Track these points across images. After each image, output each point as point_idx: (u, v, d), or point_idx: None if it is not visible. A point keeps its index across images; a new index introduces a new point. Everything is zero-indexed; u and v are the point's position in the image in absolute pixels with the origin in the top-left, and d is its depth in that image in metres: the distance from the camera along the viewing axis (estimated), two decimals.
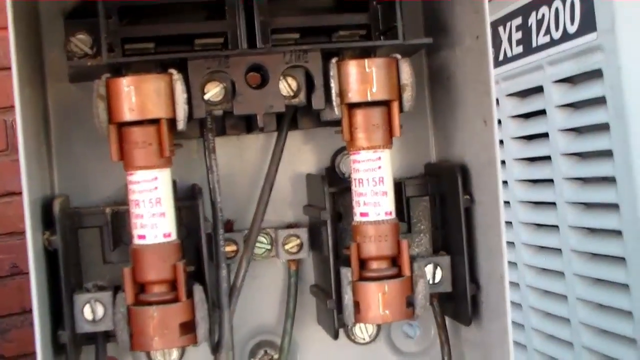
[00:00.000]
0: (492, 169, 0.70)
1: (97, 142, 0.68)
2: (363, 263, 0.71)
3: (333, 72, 0.69)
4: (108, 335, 0.71)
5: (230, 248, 0.78)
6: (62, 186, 0.76)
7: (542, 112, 1.13)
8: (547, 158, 1.12)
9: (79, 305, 0.69)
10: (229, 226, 0.79)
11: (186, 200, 0.73)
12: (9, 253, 1.91)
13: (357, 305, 0.71)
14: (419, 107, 0.76)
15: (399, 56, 0.70)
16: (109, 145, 0.65)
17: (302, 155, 0.81)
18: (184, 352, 0.77)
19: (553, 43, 1.07)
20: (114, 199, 0.76)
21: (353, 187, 0.72)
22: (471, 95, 0.73)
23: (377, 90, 0.69)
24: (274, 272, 0.82)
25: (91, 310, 0.69)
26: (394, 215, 0.72)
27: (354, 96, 0.69)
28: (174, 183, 0.69)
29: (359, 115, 0.70)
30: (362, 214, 0.71)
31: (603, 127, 0.99)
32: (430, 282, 0.76)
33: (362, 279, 0.71)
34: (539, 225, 1.19)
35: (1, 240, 1.91)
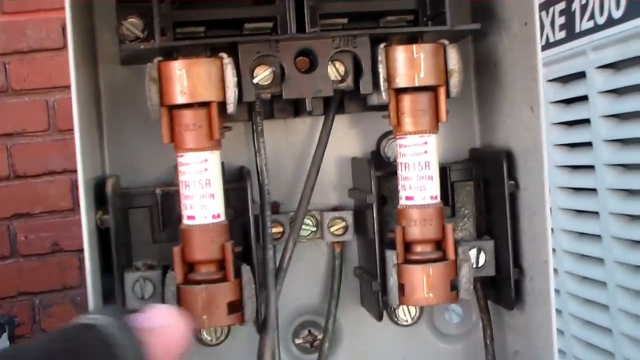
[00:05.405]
0: (539, 155, 0.70)
1: (148, 124, 0.69)
2: (408, 246, 0.72)
3: (381, 57, 0.69)
4: None
5: (277, 229, 0.79)
6: (113, 167, 0.77)
7: (584, 98, 1.12)
8: (589, 144, 1.12)
9: (129, 283, 0.70)
10: (275, 208, 0.80)
11: (234, 182, 0.74)
12: (50, 231, 1.94)
13: (401, 287, 0.71)
14: (464, 92, 0.75)
15: (446, 42, 0.70)
16: (161, 128, 0.67)
17: (348, 138, 0.82)
18: (230, 330, 0.78)
19: (597, 28, 1.07)
20: (163, 179, 0.77)
21: (399, 171, 0.72)
22: (518, 82, 0.73)
23: (424, 75, 0.69)
24: (319, 253, 0.83)
25: (141, 289, 0.70)
26: (439, 200, 0.72)
27: (401, 81, 0.69)
28: (223, 165, 0.70)
29: (406, 100, 0.70)
30: (407, 198, 0.72)
31: None
32: (474, 266, 0.76)
33: (407, 261, 0.71)
34: (579, 212, 1.19)
35: (42, 218, 1.94)
